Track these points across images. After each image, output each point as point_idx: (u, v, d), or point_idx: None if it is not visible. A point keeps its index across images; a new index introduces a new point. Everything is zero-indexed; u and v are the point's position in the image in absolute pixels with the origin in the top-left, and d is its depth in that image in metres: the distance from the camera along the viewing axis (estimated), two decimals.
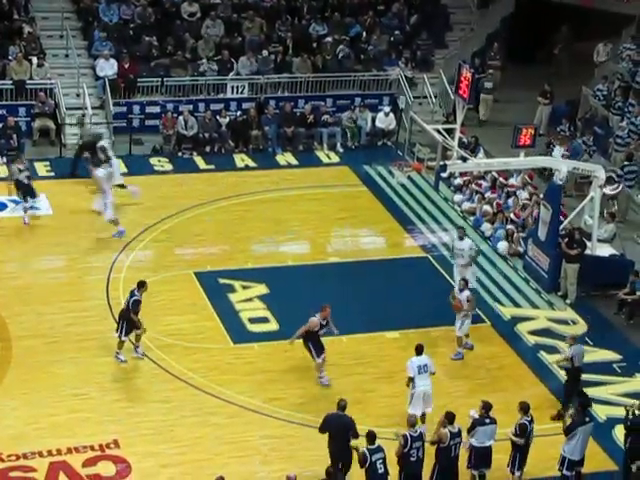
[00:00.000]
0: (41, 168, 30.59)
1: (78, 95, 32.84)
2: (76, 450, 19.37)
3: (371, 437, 17.88)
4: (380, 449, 17.85)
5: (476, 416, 18.73)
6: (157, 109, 33.06)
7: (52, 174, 30.40)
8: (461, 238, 24.84)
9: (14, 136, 30.86)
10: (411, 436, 18.11)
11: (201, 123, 32.53)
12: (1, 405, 20.50)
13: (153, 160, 31.87)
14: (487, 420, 18.74)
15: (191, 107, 32.96)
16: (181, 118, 32.37)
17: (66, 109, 32.15)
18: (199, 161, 32.05)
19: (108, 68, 33.08)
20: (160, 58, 33.99)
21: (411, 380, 20.25)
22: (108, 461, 19.26)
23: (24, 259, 26.04)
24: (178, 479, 18.99)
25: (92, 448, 19.50)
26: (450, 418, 18.36)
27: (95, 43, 33.76)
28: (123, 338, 22.01)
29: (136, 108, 33.05)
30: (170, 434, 20.01)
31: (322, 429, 18.50)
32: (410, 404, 20.27)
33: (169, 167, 31.58)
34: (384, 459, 17.82)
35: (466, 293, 22.96)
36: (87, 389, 21.02)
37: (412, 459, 18.17)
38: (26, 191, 27.47)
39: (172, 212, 28.57)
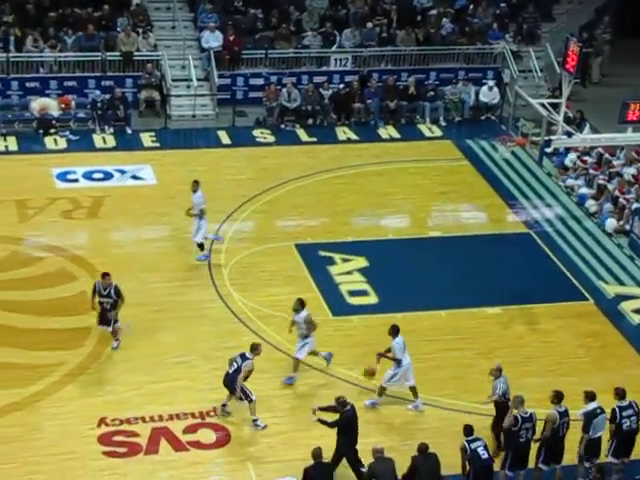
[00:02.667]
0: (146, 138, 31.05)
1: (183, 67, 33.20)
2: (177, 417, 19.70)
3: (468, 430, 17.60)
4: (478, 438, 17.60)
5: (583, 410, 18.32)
6: (261, 81, 33.24)
7: (157, 144, 30.83)
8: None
9: (121, 107, 31.37)
10: (522, 417, 17.90)
11: (304, 95, 32.61)
12: (106, 371, 20.95)
13: (256, 132, 32.07)
14: (598, 410, 18.41)
15: (294, 79, 33.04)
16: (284, 90, 32.49)
17: (172, 80, 32.53)
18: (301, 133, 32.15)
19: (213, 40, 33.34)
20: (265, 31, 34.13)
21: (399, 361, 20.13)
22: (208, 428, 19.55)
23: (129, 228, 26.48)
24: (276, 448, 19.18)
25: (193, 415, 19.82)
26: (559, 397, 18.16)
27: (201, 15, 34.04)
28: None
29: (240, 80, 33.28)
30: (268, 404, 20.19)
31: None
32: (391, 381, 20.25)
33: (271, 139, 31.75)
34: (485, 445, 17.57)
35: (304, 313, 20.82)
36: (189, 357, 21.33)
37: (521, 440, 17.95)
38: None
39: (274, 184, 28.74)
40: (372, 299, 24.04)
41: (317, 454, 17.31)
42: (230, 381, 19.52)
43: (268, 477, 18.41)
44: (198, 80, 32.77)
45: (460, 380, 21.12)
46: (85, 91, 32.03)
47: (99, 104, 31.30)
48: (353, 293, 24.22)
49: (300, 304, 20.86)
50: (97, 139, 30.87)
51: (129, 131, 31.36)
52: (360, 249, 25.77)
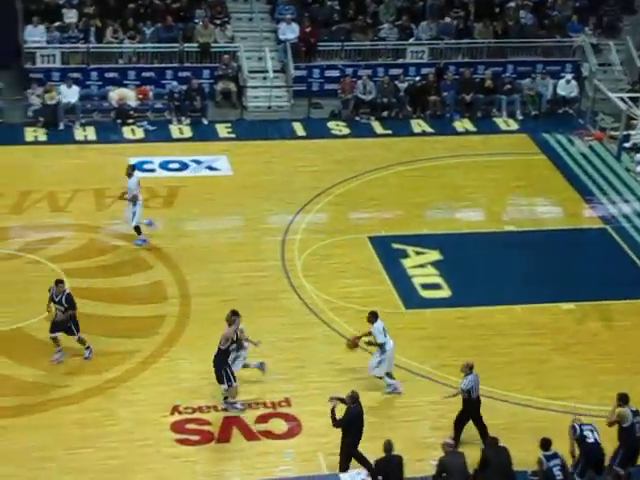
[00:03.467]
0: (222, 129, 31.26)
1: (260, 58, 33.34)
2: (249, 406, 19.82)
3: (546, 444, 17.17)
4: (556, 456, 17.13)
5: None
6: (336, 73, 33.25)
7: (233, 135, 31.01)
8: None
9: (198, 98, 31.60)
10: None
11: (379, 88, 32.55)
12: (179, 359, 21.15)
13: (331, 124, 32.09)
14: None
15: (370, 72, 33.00)
16: (360, 82, 32.46)
17: (248, 72, 32.67)
18: (376, 126, 32.10)
19: (290, 32, 33.43)
20: (341, 22, 34.12)
21: (382, 345, 19.99)
22: (279, 418, 19.64)
23: (204, 218, 26.67)
24: None
25: (264, 405, 19.93)
26: (624, 399, 17.80)
27: (278, 7, 34.15)
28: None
29: (316, 72, 33.33)
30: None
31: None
32: (377, 368, 20.19)
33: (346, 131, 31.74)
34: (562, 466, 17.13)
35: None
36: (261, 347, 21.42)
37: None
38: None
39: (348, 176, 28.74)
40: (445, 293, 23.94)
41: (388, 447, 17.27)
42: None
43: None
44: (274, 72, 32.89)
45: (534, 375, 20.94)
46: (162, 82, 32.35)
47: (176, 95, 31.59)
48: (426, 286, 24.13)
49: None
50: (174, 129, 31.15)
51: (205, 122, 31.58)
52: (434, 242, 25.67)
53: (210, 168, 28.95)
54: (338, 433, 18.55)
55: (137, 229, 24.84)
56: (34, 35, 31.98)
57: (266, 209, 27.07)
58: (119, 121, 31.08)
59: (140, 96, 31.65)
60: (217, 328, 21.84)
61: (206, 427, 19.26)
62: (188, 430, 19.15)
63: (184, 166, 29.01)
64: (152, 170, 28.65)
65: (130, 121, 31.05)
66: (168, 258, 24.46)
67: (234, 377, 19.50)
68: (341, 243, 25.62)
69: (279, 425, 19.48)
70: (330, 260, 24.76)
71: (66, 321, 20.53)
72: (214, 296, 23.14)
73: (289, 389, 20.19)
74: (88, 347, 20.90)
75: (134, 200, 24.57)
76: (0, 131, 30.33)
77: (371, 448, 17.94)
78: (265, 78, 32.81)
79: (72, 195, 26.95)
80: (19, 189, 26.96)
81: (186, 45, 32.71)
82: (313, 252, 25.18)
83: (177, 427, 19.18)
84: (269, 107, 32.67)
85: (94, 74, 32.06)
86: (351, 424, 17.94)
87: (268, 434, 19.23)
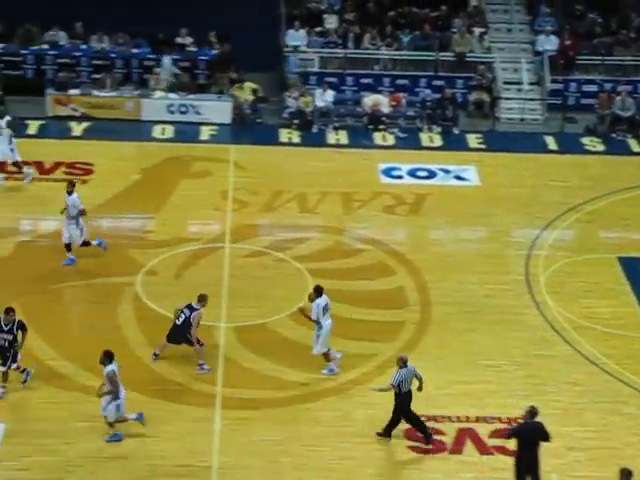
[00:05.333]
0: (472, 140, 31.10)
1: (515, 70, 32.99)
2: (484, 420, 19.58)
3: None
4: None
5: None
6: (594, 88, 32.47)
7: (483, 146, 30.80)
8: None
9: (450, 107, 31.57)
10: None
11: (639, 104, 31.53)
12: (416, 366, 21.00)
13: (585, 139, 31.36)
14: None
15: (630, 87, 32.02)
16: (618, 98, 31.56)
17: (503, 83, 32.38)
18: (633, 144, 31.15)
19: (548, 44, 32.91)
20: (603, 36, 33.28)
21: (317, 322, 20.13)
22: None
23: (449, 227, 26.58)
24: (584, 464, 18.64)
25: (500, 420, 19.63)
26: None
27: (538, 18, 33.67)
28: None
29: (573, 86, 32.70)
30: (579, 417, 19.73)
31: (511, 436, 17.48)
32: (318, 344, 20.33)
33: (601, 147, 30.95)
34: None
35: (110, 367, 18.47)
36: (500, 362, 21.15)
37: None
38: None
39: (600, 193, 27.98)
40: None
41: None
42: (180, 333, 20.30)
43: None
44: (529, 84, 32.45)
45: None
46: (416, 90, 32.54)
47: (429, 103, 31.68)
48: None
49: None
50: (424, 137, 31.24)
51: (456, 131, 31.50)
52: None
53: (458, 178, 28.84)
54: (574, 456, 18.14)
55: (86, 243, 23.83)
56: (295, 39, 32.82)
57: (513, 222, 26.71)
58: (371, 127, 31.43)
59: (393, 103, 31.91)
60: (457, 338, 21.89)
61: (439, 437, 19.14)
62: (421, 438, 19.08)
63: (432, 174, 29.01)
64: (400, 177, 28.81)
65: (382, 127, 31.35)
66: (411, 265, 24.53)
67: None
68: (588, 262, 24.97)
69: (514, 441, 19.07)
70: (575, 278, 24.18)
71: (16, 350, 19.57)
72: (455, 306, 23.03)
73: (526, 405, 19.77)
74: (26, 376, 19.84)
75: (77, 217, 23.50)
76: (258, 131, 31.28)
77: (606, 473, 17.31)
78: (520, 90, 32.43)
79: (321, 197, 27.44)
80: (271, 188, 27.68)
81: (442, 54, 32.75)
82: (558, 269, 24.64)
83: (410, 434, 19.13)
84: (522, 119, 32.27)
85: (350, 79, 32.58)
86: (522, 437, 17.61)
87: (502, 449, 18.90)
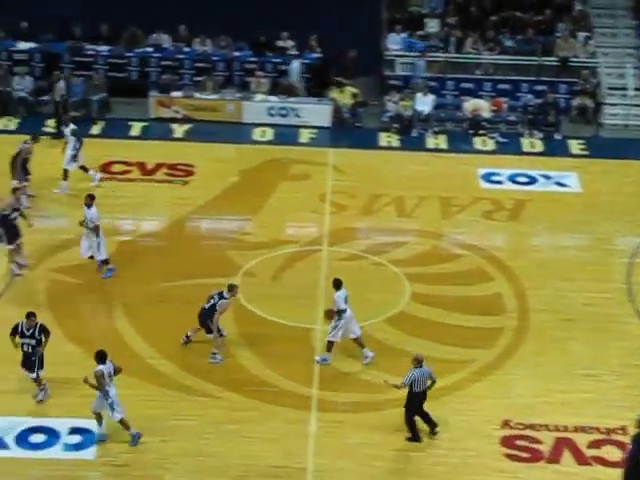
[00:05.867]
0: (574, 146, 30.68)
1: (621, 75, 32.42)
2: (582, 430, 19.29)
3: None
4: None
5: None
6: None
7: (585, 152, 30.35)
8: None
9: (552, 112, 31.17)
10: None
11: None
12: (514, 374, 20.92)
13: None
14: None
15: None
16: None
17: (607, 89, 31.87)
18: None
19: None
20: None
21: (341, 312, 20.48)
22: (613, 446, 18.95)
23: (549, 233, 26.26)
24: None
25: (598, 430, 19.31)
26: None
27: None
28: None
29: None
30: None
31: None
32: (334, 332, 20.65)
33: None
34: None
35: (98, 367, 18.46)
36: (599, 371, 20.81)
37: None
38: None
39: None
40: None
41: None
42: (205, 316, 20.54)
43: None
44: (634, 89, 31.87)
45: None
46: (517, 94, 32.18)
47: (530, 108, 31.32)
48: None
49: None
50: (525, 143, 30.90)
51: (558, 137, 31.09)
52: None
53: (559, 184, 28.47)
54: None
55: (106, 261, 23.48)
56: (396, 43, 32.75)
57: (614, 229, 26.29)
58: (471, 131, 31.22)
59: (494, 108, 31.64)
60: (555, 346, 21.63)
61: (537, 445, 18.91)
62: (518, 446, 18.88)
63: (533, 180, 28.68)
64: (500, 182, 28.55)
65: (482, 132, 31.11)
66: (510, 271, 24.29)
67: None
68: None
69: (613, 452, 18.80)
70: None
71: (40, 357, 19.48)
72: (554, 313, 22.75)
73: (627, 417, 19.40)
74: (43, 388, 19.66)
75: (96, 231, 23.10)
76: (357, 135, 31.28)
77: None
78: (624, 95, 31.88)
79: (419, 201, 27.32)
80: (370, 192, 27.66)
81: (544, 58, 32.36)
82: None
83: (507, 442, 18.96)
84: (626, 125, 31.71)
85: (450, 84, 32.40)
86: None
87: (601, 460, 18.61)
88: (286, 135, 30.89)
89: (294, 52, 32.93)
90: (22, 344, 19.32)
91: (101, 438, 18.74)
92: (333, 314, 20.88)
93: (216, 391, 20.05)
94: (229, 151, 30.12)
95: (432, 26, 33.28)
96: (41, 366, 19.46)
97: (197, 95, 31.71)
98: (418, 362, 18.77)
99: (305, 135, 31.00)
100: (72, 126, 27.03)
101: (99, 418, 18.69)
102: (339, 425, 19.29)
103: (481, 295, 23.48)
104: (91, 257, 23.52)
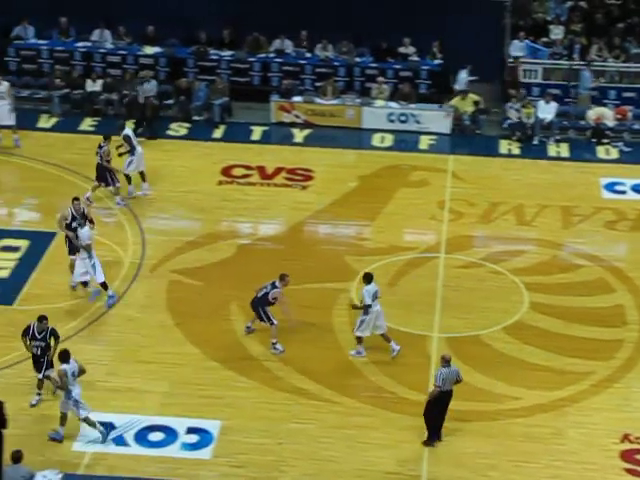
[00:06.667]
0: None
1: None
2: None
3: None
4: None
5: None
6: None
7: None
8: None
9: None
10: None
11: None
12: (634, 387, 20.56)
13: None
14: None
15: None
16: None
17: None
18: None
19: None
20: None
21: (367, 307, 20.58)
22: None
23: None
24: None
25: None
26: None
27: None
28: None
29: None
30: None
31: None
32: (361, 327, 20.84)
33: None
34: None
35: (62, 366, 18.38)
36: None
37: None
38: None
39: None
40: None
41: None
42: (256, 305, 21.17)
43: None
44: None
45: None
46: None
47: None
48: None
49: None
50: None
51: None
52: None
53: None
54: None
55: (105, 286, 22.68)
56: (518, 50, 32.43)
57: None
58: (594, 140, 30.71)
59: (618, 116, 31.08)
60: None
61: None
62: (638, 461, 18.52)
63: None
64: (623, 192, 28.03)
65: (605, 141, 30.58)
66: (631, 282, 23.84)
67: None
68: None
69: None
70: None
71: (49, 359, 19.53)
72: None
73: None
74: (40, 392, 19.65)
75: (88, 251, 22.33)
76: (477, 142, 31.05)
77: None
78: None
79: (539, 210, 26.98)
80: (489, 200, 27.42)
81: None
82: None
83: (627, 456, 18.62)
84: None
85: (574, 91, 31.89)
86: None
87: None
88: (406, 141, 30.84)
89: (415, 58, 32.86)
90: (32, 346, 19.44)
91: (57, 437, 18.72)
92: (357, 308, 21.11)
93: (332, 396, 20.13)
94: (348, 156, 30.21)
95: (557, 33, 32.84)
96: (48, 367, 19.45)
97: (318, 100, 31.89)
98: (446, 362, 18.71)
99: (425, 142, 30.88)
100: (125, 131, 27.09)
101: (64, 418, 18.72)
102: (454, 434, 19.16)
103: (602, 306, 23.10)
104: (84, 283, 22.96)
